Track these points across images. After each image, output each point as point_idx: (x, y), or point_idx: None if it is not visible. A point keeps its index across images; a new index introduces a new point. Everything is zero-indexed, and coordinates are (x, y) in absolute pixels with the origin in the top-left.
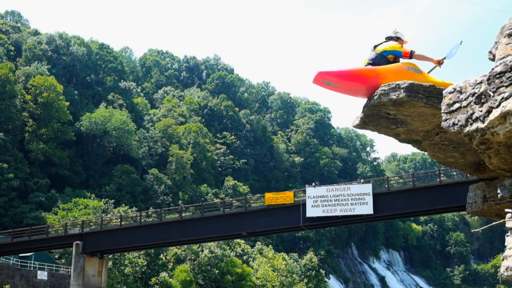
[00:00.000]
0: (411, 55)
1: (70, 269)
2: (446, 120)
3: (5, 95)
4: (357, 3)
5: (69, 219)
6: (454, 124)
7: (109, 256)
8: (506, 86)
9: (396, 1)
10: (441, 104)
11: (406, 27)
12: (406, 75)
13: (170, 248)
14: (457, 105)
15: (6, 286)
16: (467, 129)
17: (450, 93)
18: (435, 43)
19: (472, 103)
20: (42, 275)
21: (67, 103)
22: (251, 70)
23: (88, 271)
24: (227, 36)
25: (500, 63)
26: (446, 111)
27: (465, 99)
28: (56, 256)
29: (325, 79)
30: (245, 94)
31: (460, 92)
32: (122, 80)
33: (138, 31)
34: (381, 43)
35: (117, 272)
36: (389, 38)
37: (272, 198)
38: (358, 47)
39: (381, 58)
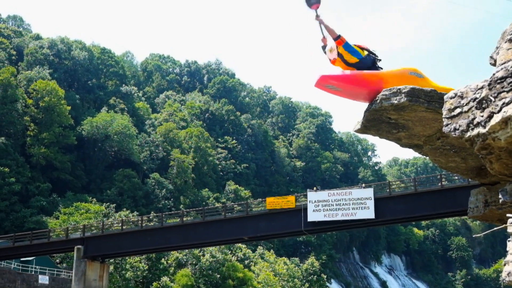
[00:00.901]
0: (338, 37)
1: (72, 273)
2: (447, 125)
3: (6, 99)
4: (357, 4)
5: (70, 224)
6: (455, 129)
7: (111, 260)
8: (507, 92)
9: (395, 2)
10: (442, 109)
11: (405, 29)
12: (409, 80)
13: (172, 252)
14: (458, 110)
15: None
16: (468, 134)
17: (451, 98)
18: (434, 44)
19: (473, 108)
20: (44, 279)
21: (69, 108)
22: (253, 74)
23: (89, 275)
24: (229, 40)
25: (501, 68)
26: (447, 116)
27: (466, 104)
28: (58, 261)
29: (328, 82)
30: (247, 98)
31: (461, 97)
32: (123, 85)
33: (139, 36)
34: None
35: (118, 277)
36: (324, 47)
37: (273, 202)
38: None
39: (366, 62)
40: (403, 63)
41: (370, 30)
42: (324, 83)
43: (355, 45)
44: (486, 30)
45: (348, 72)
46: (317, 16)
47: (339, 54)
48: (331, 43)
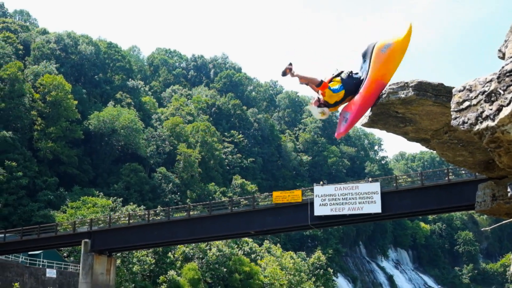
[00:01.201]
0: (320, 82)
1: (79, 267)
2: (455, 118)
3: (14, 93)
4: (357, 4)
5: (77, 218)
6: (464, 122)
7: (118, 254)
8: None
9: (395, 2)
10: (451, 102)
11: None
12: (388, 58)
13: (178, 246)
14: (467, 104)
15: (16, 284)
16: (477, 127)
17: (460, 91)
18: (434, 44)
19: (482, 102)
20: (51, 273)
21: (76, 102)
22: (259, 69)
23: (96, 269)
24: (235, 35)
25: (511, 61)
26: (455, 109)
27: (475, 98)
28: (65, 254)
29: (347, 131)
30: (253, 93)
31: (470, 91)
32: (130, 79)
33: (146, 30)
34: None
35: (125, 270)
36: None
37: (280, 196)
38: (361, 45)
39: (348, 82)
40: (404, 63)
41: (370, 30)
42: (344, 134)
43: (329, 82)
44: (486, 29)
45: (354, 109)
46: (293, 74)
47: (328, 104)
48: (319, 109)
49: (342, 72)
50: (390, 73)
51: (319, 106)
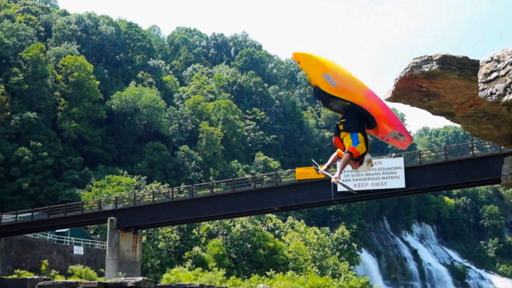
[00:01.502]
0: (349, 153)
1: (105, 244)
2: (483, 90)
3: (36, 75)
4: (359, 2)
5: (102, 196)
6: (491, 93)
7: (143, 231)
8: None
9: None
10: (478, 74)
11: (408, 27)
12: (343, 80)
13: (203, 223)
14: (494, 74)
15: (44, 261)
16: (505, 98)
17: (487, 62)
18: (437, 40)
19: (510, 72)
20: (79, 250)
21: (98, 82)
22: (280, 46)
23: (122, 246)
24: (255, 12)
25: None
26: (483, 80)
27: (503, 68)
28: (91, 232)
29: (409, 133)
30: (274, 70)
31: (498, 61)
32: (151, 58)
33: (165, 10)
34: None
35: (151, 247)
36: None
37: (302, 173)
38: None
39: (352, 127)
40: (405, 59)
41: (372, 28)
42: (411, 141)
43: (337, 141)
44: (487, 28)
45: (392, 125)
46: (337, 178)
47: (364, 154)
48: (364, 163)
49: (338, 125)
50: (358, 83)
51: (361, 163)
